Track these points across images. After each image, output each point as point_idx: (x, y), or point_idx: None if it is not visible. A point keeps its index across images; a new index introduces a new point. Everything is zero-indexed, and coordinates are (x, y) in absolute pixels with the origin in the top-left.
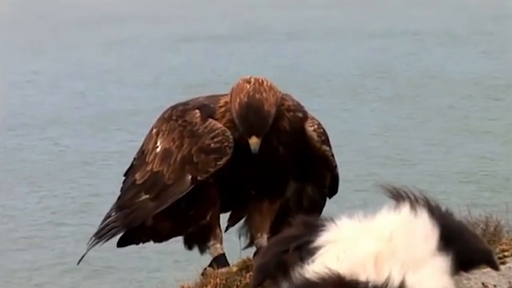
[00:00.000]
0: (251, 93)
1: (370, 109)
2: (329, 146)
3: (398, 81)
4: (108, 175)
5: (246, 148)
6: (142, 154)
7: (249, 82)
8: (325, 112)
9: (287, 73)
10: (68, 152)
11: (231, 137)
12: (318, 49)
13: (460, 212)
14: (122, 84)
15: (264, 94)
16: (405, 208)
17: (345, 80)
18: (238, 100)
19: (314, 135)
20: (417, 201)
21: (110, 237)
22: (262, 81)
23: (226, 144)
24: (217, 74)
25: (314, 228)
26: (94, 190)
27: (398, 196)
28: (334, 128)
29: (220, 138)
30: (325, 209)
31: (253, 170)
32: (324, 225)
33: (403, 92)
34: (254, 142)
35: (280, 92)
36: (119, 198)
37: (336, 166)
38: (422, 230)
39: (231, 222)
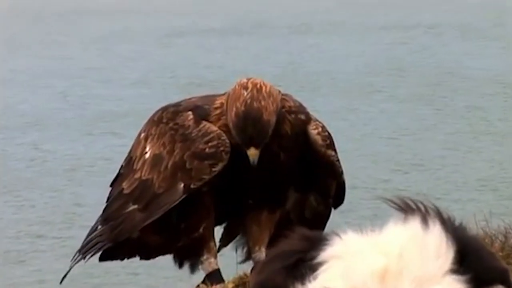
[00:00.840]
0: (248, 102)
1: (379, 110)
2: (335, 151)
3: (411, 79)
4: (93, 183)
5: (244, 154)
6: (129, 161)
7: (246, 88)
8: (330, 113)
9: (289, 71)
10: (49, 158)
11: (227, 141)
12: (322, 44)
13: (477, 222)
14: (108, 83)
15: (262, 102)
16: (415, 221)
17: (352, 78)
18: (234, 109)
19: (318, 139)
20: (428, 213)
21: (96, 253)
22: (261, 86)
23: (222, 148)
24: (212, 71)
25: (317, 242)
26: (78, 199)
27: (407, 208)
28: (340, 131)
29: (215, 142)
30: (329, 220)
31: (251, 178)
32: (327, 239)
33: (416, 91)
34: (253, 153)
35: (280, 93)
36: (105, 209)
37: (342, 173)
38: (434, 246)
39: (225, 242)
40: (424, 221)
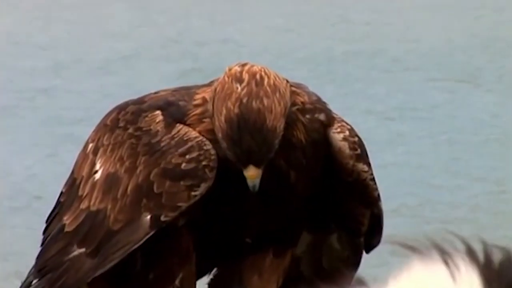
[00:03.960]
0: (244, 101)
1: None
2: (368, 164)
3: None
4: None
5: (238, 172)
6: (72, 185)
7: (240, 80)
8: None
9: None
10: None
11: (212, 152)
12: None
13: None
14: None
15: (265, 101)
16: (438, 268)
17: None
18: (224, 111)
19: (344, 148)
20: (456, 257)
21: None
22: (261, 77)
23: (205, 163)
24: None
25: None
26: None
27: (426, 250)
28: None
29: (195, 154)
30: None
31: (249, 206)
32: None
33: None
34: (252, 175)
35: (288, 83)
36: (39, 256)
37: (379, 197)
38: None
39: None
40: (451, 267)
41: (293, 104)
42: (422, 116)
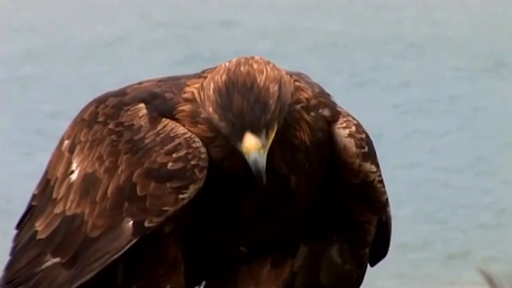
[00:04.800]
0: (232, 68)
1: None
2: (376, 164)
3: None
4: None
5: (232, 171)
6: (45, 187)
7: (228, 62)
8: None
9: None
10: None
11: (203, 150)
12: None
13: None
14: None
15: (255, 65)
16: None
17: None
18: (212, 85)
19: (350, 145)
20: None
21: None
22: (252, 56)
23: (194, 162)
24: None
25: None
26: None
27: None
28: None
29: (183, 152)
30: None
31: (245, 213)
32: None
33: None
34: (250, 146)
35: (290, 76)
36: (9, 266)
37: (387, 201)
38: None
39: None
40: None
41: (297, 101)
42: (441, 109)
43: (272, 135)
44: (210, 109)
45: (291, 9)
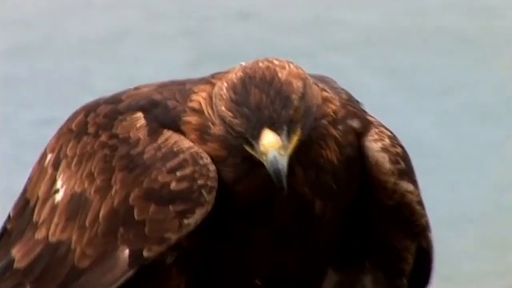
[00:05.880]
0: (249, 65)
1: None
2: (414, 182)
3: None
4: None
5: (244, 196)
6: (23, 208)
7: (243, 63)
8: None
9: None
10: None
11: (211, 168)
12: None
13: None
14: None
15: (276, 62)
16: None
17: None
18: (225, 84)
19: (384, 161)
20: None
21: None
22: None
23: (201, 182)
24: None
25: None
26: None
27: None
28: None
29: (189, 170)
30: None
31: (261, 242)
32: None
33: None
34: (269, 143)
35: (317, 86)
36: None
37: (427, 224)
38: None
39: None
40: None
41: (323, 115)
42: (496, 114)
43: (294, 140)
44: (222, 108)
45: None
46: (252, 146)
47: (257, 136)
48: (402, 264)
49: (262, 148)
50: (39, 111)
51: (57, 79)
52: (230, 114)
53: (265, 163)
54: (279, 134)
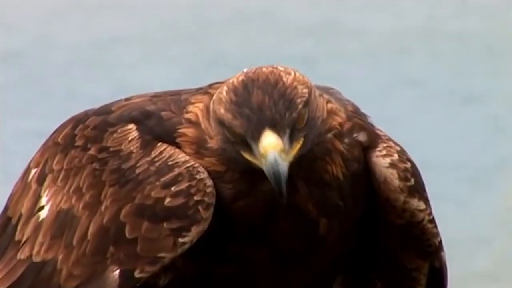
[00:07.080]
0: (253, 71)
1: None
2: (425, 200)
3: None
4: None
5: (243, 214)
6: (5, 226)
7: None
8: None
9: None
10: None
11: (208, 183)
12: None
13: None
14: None
15: (280, 67)
16: None
17: None
18: (225, 87)
19: (393, 178)
20: None
21: None
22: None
23: (197, 198)
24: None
25: None
26: None
27: None
28: None
29: (184, 185)
30: None
31: (259, 264)
32: None
33: None
34: (269, 145)
35: (312, 86)
36: None
37: (440, 244)
38: None
39: None
40: None
41: (329, 129)
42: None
43: (296, 147)
44: (222, 110)
45: (334, 1)
46: (251, 150)
47: (257, 137)
48: (413, 284)
49: (261, 150)
50: (21, 121)
51: (46, 86)
52: (230, 115)
53: (264, 167)
54: (281, 137)
